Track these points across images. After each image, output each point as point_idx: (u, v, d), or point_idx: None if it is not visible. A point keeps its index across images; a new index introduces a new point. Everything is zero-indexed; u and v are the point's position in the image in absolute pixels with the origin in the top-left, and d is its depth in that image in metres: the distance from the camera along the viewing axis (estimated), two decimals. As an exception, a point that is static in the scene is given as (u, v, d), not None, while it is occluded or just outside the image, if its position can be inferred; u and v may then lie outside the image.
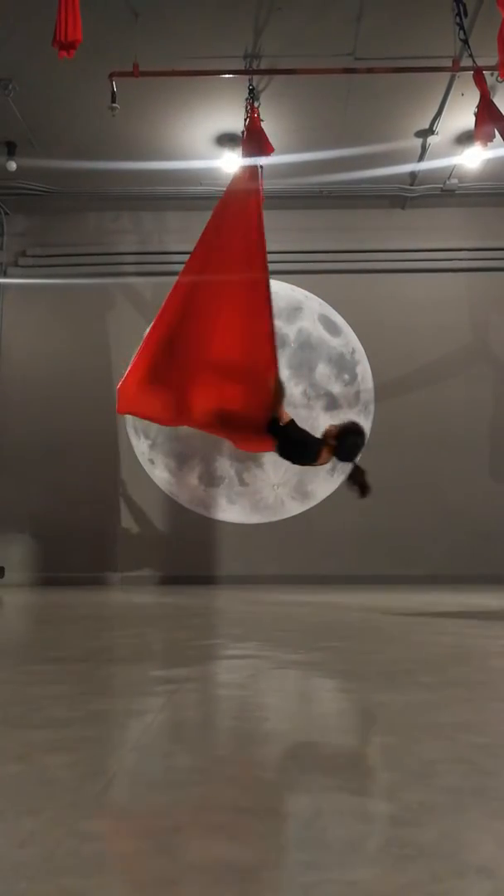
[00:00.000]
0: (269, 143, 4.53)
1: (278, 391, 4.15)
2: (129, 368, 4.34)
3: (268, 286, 4.24)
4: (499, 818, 0.91)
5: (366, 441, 4.15)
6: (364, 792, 1.02)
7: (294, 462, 4.41)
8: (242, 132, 4.72)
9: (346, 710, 1.63)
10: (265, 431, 4.09)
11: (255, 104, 4.72)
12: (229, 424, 4.22)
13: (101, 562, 6.88)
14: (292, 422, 4.17)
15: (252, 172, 4.47)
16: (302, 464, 4.48)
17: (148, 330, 4.43)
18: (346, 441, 4.04)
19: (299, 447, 4.12)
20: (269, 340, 4.20)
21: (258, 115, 4.66)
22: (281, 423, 4.09)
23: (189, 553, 6.86)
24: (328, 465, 6.55)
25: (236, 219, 4.36)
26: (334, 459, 4.17)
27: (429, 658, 2.29)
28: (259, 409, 4.10)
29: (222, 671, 2.10)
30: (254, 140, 4.54)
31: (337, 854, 0.80)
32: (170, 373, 4.19)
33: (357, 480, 4.02)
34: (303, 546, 6.79)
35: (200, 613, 4.03)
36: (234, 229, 4.34)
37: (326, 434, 4.09)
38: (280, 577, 6.60)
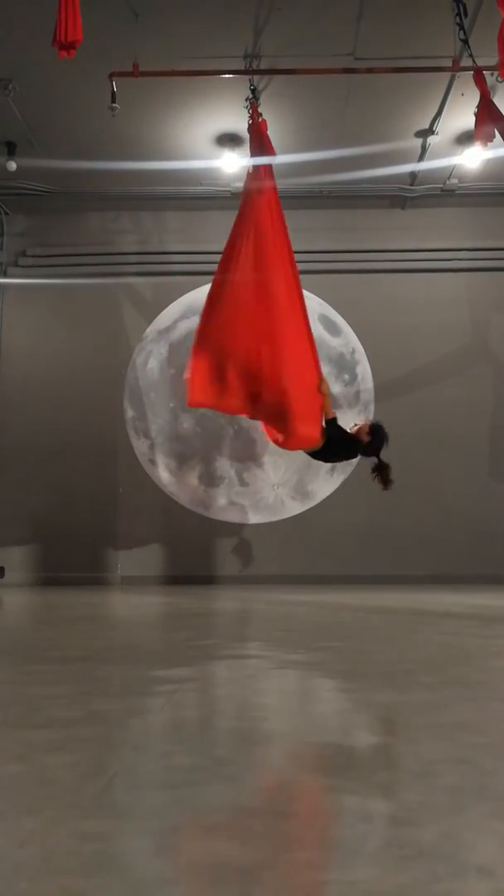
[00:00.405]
0: (272, 147, 4.54)
1: (326, 388, 4.40)
2: (190, 364, 4.37)
3: (297, 283, 4.36)
4: (499, 818, 0.91)
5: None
6: (364, 792, 1.02)
7: (329, 460, 4.79)
8: (248, 132, 4.73)
9: (346, 710, 1.63)
10: (321, 430, 4.30)
11: (257, 104, 4.71)
12: (285, 420, 4.28)
13: (101, 562, 6.88)
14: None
15: (263, 171, 4.49)
16: (336, 461, 4.93)
17: (198, 325, 4.48)
18: (377, 438, 4.38)
19: (344, 444, 4.41)
20: (308, 340, 4.33)
21: (261, 117, 4.64)
22: (336, 422, 4.39)
23: (189, 553, 6.85)
24: (328, 465, 6.56)
25: (253, 217, 4.40)
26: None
27: (429, 658, 2.29)
28: (313, 406, 4.28)
29: (222, 671, 2.10)
30: (256, 142, 4.55)
31: (337, 854, 0.80)
32: (223, 365, 4.25)
33: (384, 474, 4.31)
34: (303, 546, 6.79)
35: (200, 613, 4.03)
36: (252, 228, 4.38)
37: (360, 431, 4.41)
38: (280, 577, 6.60)
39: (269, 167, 4.54)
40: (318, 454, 4.49)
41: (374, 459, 4.37)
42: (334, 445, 4.36)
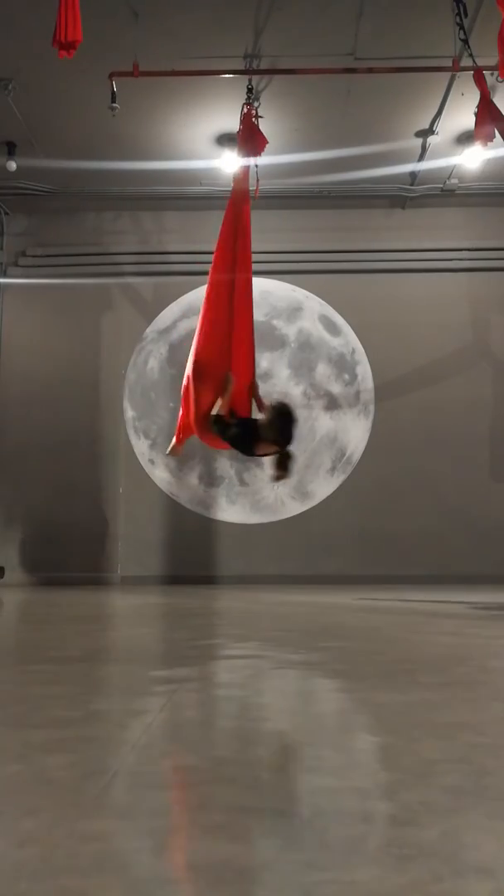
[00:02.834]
0: (263, 137, 4.47)
1: (227, 387, 4.09)
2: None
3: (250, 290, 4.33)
4: (499, 818, 0.91)
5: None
6: (364, 792, 1.02)
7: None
8: (238, 131, 4.67)
9: (346, 710, 1.63)
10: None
11: (252, 103, 4.67)
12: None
13: (101, 562, 6.88)
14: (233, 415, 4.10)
15: (244, 172, 4.46)
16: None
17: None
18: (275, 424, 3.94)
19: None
20: (248, 344, 4.26)
21: (255, 113, 4.59)
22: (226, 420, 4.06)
23: (189, 553, 6.85)
24: (329, 465, 6.56)
25: (231, 221, 4.39)
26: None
27: (429, 658, 2.29)
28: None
29: (222, 671, 2.10)
30: (247, 138, 4.51)
31: (337, 854, 0.80)
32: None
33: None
34: (303, 546, 6.79)
35: (200, 613, 4.03)
36: (230, 232, 4.38)
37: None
38: (280, 577, 6.60)
39: (255, 168, 4.49)
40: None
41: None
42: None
